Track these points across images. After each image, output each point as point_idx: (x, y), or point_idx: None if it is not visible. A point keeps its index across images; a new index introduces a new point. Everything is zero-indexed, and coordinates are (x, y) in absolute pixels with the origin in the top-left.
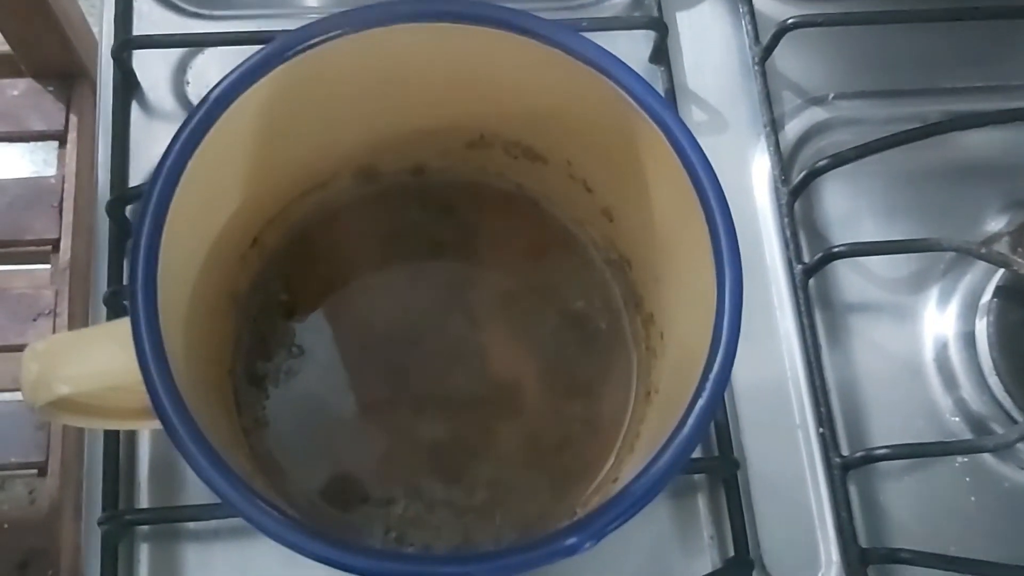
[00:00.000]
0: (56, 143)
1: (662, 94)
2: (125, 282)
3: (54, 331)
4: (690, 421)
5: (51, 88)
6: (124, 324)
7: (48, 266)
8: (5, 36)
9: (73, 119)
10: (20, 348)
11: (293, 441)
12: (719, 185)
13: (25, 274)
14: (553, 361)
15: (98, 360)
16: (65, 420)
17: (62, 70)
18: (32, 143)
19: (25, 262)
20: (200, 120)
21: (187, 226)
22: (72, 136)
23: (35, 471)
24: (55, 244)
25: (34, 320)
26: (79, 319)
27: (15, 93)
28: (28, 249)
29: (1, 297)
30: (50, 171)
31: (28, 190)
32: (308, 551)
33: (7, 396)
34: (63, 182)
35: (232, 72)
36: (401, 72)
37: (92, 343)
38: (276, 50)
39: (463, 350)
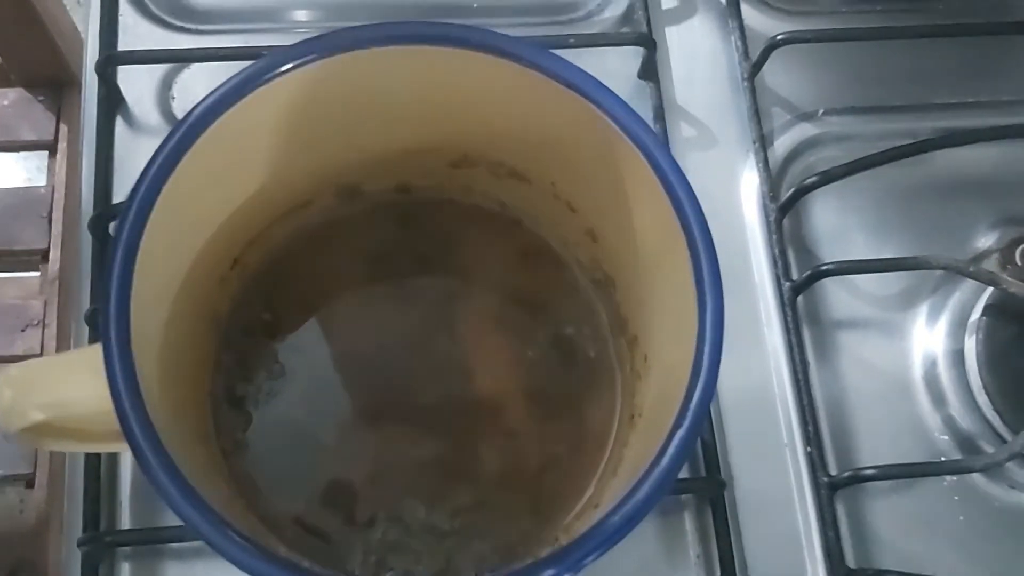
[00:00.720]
0: (47, 152)
1: (651, 110)
2: None
3: (42, 342)
4: (670, 450)
5: (41, 98)
6: (98, 350)
7: (38, 274)
8: None
9: (63, 129)
10: (8, 359)
11: (273, 463)
12: (701, 212)
13: (14, 284)
14: (537, 382)
15: (71, 387)
16: (43, 445)
17: (52, 79)
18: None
19: (14, 271)
20: (176, 144)
21: (164, 249)
22: (62, 146)
23: (23, 484)
24: (44, 254)
25: (22, 331)
26: (67, 331)
27: (5, 103)
28: (17, 259)
29: None
30: (41, 180)
31: (18, 199)
32: None
33: None
34: (52, 192)
35: (210, 95)
36: (382, 94)
37: (66, 369)
38: (254, 73)
39: (446, 370)
